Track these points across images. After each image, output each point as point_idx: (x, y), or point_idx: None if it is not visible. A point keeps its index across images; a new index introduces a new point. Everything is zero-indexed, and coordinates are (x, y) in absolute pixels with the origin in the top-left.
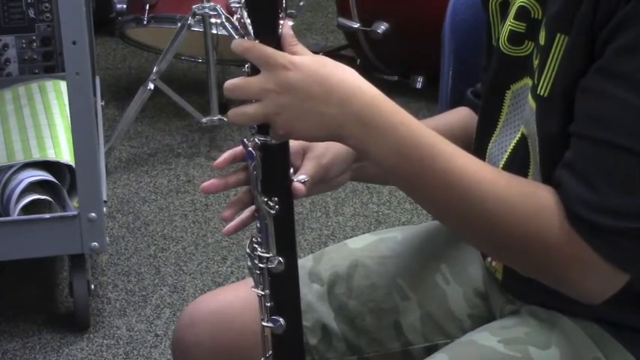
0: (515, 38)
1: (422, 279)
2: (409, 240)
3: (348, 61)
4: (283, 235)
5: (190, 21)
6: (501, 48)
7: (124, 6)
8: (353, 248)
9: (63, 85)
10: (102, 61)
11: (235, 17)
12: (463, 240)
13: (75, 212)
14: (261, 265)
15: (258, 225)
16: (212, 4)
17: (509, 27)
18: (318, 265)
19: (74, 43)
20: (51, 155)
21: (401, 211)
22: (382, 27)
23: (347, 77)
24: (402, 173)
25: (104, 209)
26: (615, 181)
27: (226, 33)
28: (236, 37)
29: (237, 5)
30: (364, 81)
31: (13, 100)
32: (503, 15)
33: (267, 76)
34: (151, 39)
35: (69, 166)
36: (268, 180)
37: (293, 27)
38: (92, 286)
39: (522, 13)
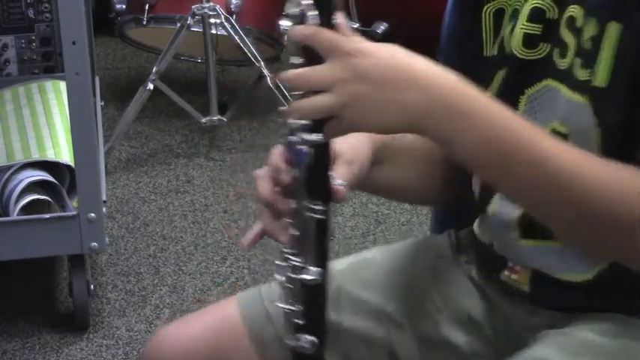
0: (530, 41)
1: (412, 306)
2: (390, 263)
3: None
4: (323, 242)
5: (190, 21)
6: (515, 53)
7: (124, 6)
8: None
9: (62, 85)
10: (101, 61)
11: (288, 4)
12: (450, 264)
13: (74, 212)
14: (296, 277)
15: (293, 233)
16: (211, 4)
17: (523, 30)
18: None
19: (74, 43)
20: (50, 155)
21: (400, 212)
22: (382, 27)
23: (423, 63)
24: (489, 160)
25: (103, 209)
26: None
27: (225, 33)
28: (235, 37)
29: None
30: (440, 67)
31: (13, 100)
32: (497, 24)
33: (338, 63)
34: (150, 39)
35: (68, 167)
36: (314, 183)
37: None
38: (92, 287)
39: (537, 15)
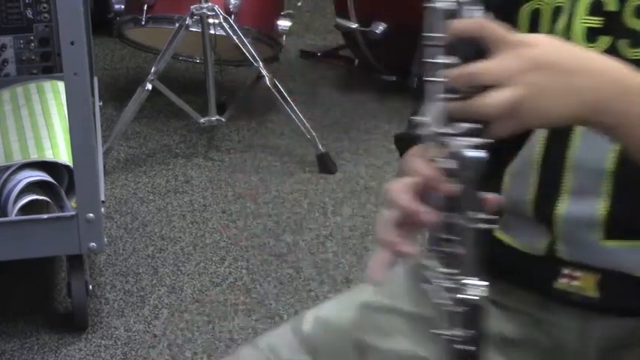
0: (592, 35)
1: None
2: (397, 304)
3: (346, 62)
4: (484, 255)
5: (188, 21)
6: None
7: (122, 6)
8: (339, 325)
9: (61, 85)
10: (100, 61)
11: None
12: None
13: (73, 213)
14: (463, 297)
15: (450, 250)
16: (210, 4)
17: (584, 24)
18: (315, 356)
19: (72, 43)
20: (49, 156)
21: None
22: (380, 27)
23: (584, 49)
24: None
25: (102, 209)
26: None
27: (224, 33)
28: (234, 37)
29: None
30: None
31: (11, 101)
32: (534, 23)
33: (510, 54)
34: (149, 39)
35: (67, 167)
36: (478, 192)
37: (292, 27)
38: (90, 287)
39: (597, 8)
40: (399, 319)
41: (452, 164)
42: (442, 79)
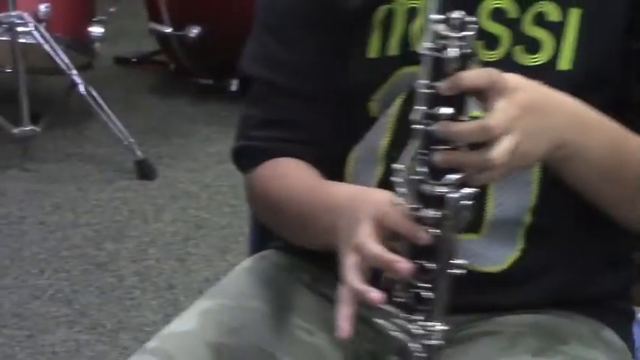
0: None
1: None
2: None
3: (162, 67)
4: (449, 299)
5: None
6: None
7: None
8: (186, 331)
9: None
10: None
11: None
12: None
13: None
14: (428, 343)
15: (420, 294)
16: (19, 12)
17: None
18: None
19: None
20: None
21: (220, 215)
22: (194, 30)
23: (544, 87)
24: (611, 163)
25: None
26: None
27: (34, 42)
28: (45, 45)
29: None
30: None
31: None
32: (387, 23)
33: (509, 102)
34: None
35: None
36: (456, 238)
37: (104, 34)
38: None
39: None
40: (244, 315)
41: (435, 213)
42: (436, 129)
